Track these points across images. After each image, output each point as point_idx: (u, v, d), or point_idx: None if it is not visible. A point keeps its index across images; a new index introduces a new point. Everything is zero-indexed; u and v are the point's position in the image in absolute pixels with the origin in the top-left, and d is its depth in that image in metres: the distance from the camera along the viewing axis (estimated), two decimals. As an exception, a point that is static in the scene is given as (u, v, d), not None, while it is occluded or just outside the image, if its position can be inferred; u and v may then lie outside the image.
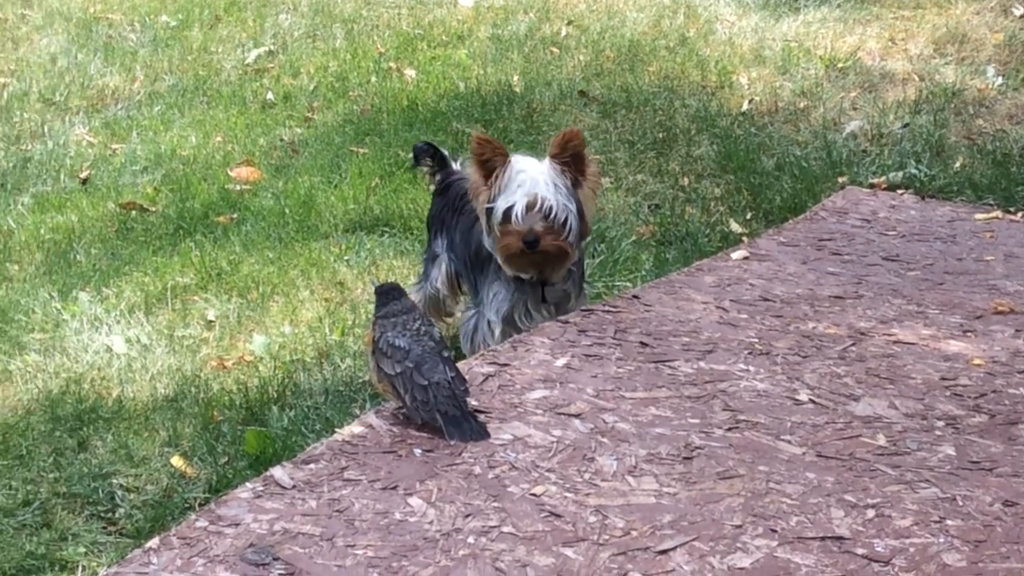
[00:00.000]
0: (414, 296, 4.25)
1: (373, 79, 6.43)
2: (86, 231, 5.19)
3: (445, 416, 3.24)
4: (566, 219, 3.89)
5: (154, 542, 2.85)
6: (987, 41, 6.32)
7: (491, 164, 3.91)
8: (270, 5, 7.34)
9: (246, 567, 2.75)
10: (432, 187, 4.50)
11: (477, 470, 3.11)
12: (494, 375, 3.55)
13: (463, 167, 4.38)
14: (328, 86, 6.39)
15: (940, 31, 6.42)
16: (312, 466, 3.13)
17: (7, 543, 3.50)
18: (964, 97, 5.85)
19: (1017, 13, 6.51)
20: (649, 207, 5.15)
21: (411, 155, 4.59)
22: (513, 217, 3.86)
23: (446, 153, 4.49)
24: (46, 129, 6.13)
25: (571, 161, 3.93)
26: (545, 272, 4.01)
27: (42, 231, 5.21)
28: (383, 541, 2.85)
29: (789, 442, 3.23)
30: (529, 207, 3.86)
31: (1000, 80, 6.02)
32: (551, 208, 3.87)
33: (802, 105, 5.92)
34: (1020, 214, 4.86)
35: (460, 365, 3.45)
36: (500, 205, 3.87)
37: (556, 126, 5.80)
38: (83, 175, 5.68)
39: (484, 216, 3.97)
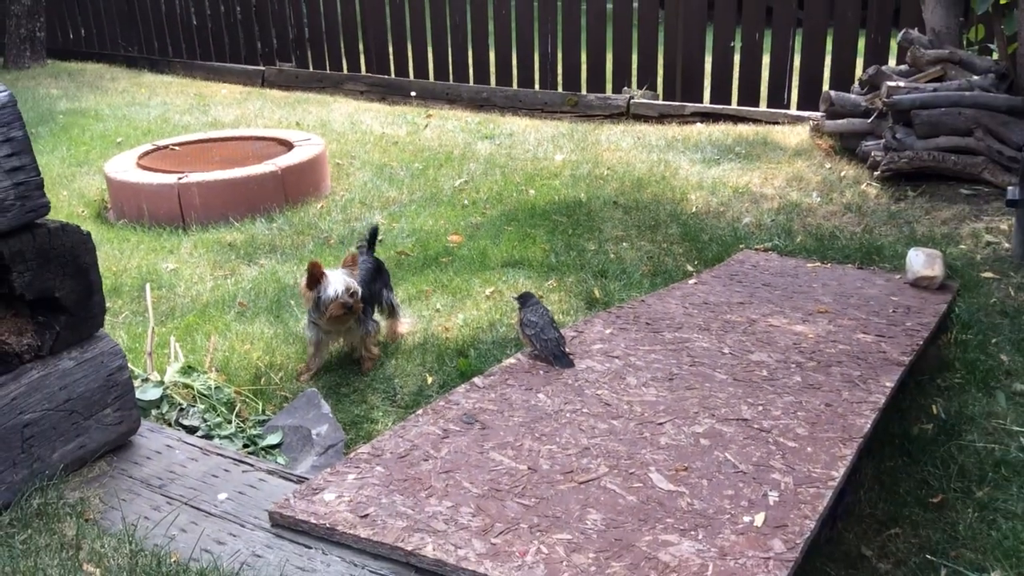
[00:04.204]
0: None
1: (514, 194, 6.45)
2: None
3: (554, 356, 3.27)
4: (359, 292, 3.66)
5: (419, 411, 2.92)
6: (812, 180, 6.18)
7: (315, 276, 3.59)
8: (465, 159, 7.38)
9: (463, 424, 2.81)
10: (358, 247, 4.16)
11: (569, 381, 3.13)
12: (575, 337, 3.56)
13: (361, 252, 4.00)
14: (493, 197, 6.40)
15: (790, 174, 6.28)
16: (492, 377, 3.17)
17: (345, 410, 3.59)
18: (801, 207, 5.71)
19: (827, 166, 6.36)
20: (647, 258, 5.11)
21: (368, 232, 4.24)
22: (335, 295, 3.58)
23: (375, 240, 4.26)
24: (362, 216, 6.23)
25: (352, 267, 3.70)
26: (346, 323, 3.71)
27: (360, 264, 5.30)
28: (526, 415, 2.88)
29: (719, 373, 3.22)
30: (345, 290, 3.60)
31: (819, 198, 5.89)
32: (354, 288, 3.64)
33: (722, 209, 5.82)
34: (829, 264, 4.75)
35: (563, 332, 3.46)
36: (329, 293, 3.57)
37: (605, 219, 5.77)
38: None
39: (314, 304, 3.62)
